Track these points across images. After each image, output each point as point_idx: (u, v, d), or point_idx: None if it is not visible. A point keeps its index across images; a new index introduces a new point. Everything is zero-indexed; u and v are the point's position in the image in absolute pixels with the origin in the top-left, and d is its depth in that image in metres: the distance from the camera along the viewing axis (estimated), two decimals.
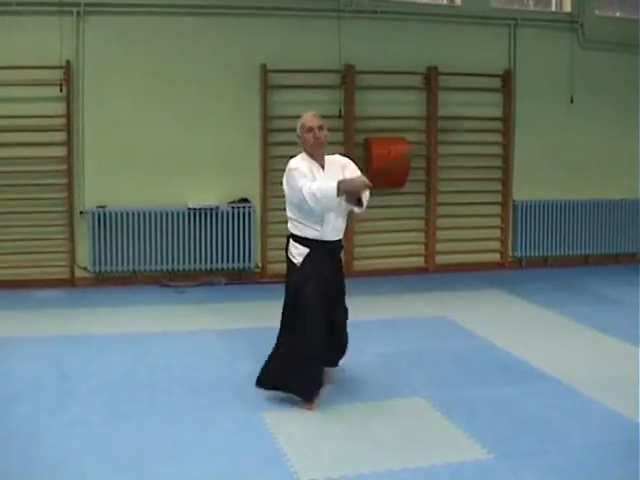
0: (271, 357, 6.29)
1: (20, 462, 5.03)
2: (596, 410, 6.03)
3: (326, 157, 6.34)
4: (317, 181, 6.02)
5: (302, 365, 6.07)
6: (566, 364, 7.15)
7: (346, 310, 6.71)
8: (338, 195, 5.89)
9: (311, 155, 6.24)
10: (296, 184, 6.02)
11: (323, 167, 6.25)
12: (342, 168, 6.32)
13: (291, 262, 6.30)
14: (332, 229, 6.24)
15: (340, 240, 6.42)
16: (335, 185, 5.87)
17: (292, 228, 6.30)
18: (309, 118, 6.22)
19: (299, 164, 6.14)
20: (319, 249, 6.21)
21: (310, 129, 6.17)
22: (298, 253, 6.25)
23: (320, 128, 6.19)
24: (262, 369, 6.31)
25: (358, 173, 6.32)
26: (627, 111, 11.54)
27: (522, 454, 5.22)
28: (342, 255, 6.65)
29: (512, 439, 5.46)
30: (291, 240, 6.31)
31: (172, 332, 8.33)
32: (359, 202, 6.19)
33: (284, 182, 6.25)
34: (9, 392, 6.35)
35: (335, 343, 6.51)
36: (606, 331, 8.29)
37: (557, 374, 6.86)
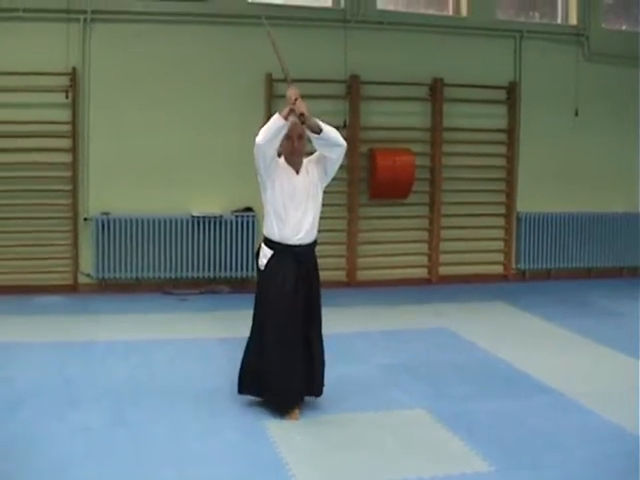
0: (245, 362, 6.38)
1: (21, 468, 5.03)
2: (598, 423, 6.02)
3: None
4: None
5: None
6: (568, 377, 7.15)
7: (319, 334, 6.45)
8: (283, 117, 6.00)
9: (287, 161, 6.28)
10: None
11: (298, 172, 6.26)
12: (309, 162, 6.32)
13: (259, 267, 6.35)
14: (293, 230, 6.18)
15: (309, 245, 6.32)
16: (277, 117, 6.03)
17: (264, 230, 6.34)
18: (290, 126, 6.12)
19: None
20: (283, 252, 6.19)
21: (289, 137, 6.17)
22: (263, 255, 6.27)
23: (300, 137, 6.19)
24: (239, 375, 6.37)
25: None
26: (632, 124, 11.56)
27: (523, 467, 5.21)
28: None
29: (513, 452, 5.45)
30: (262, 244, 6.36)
31: (174, 340, 8.34)
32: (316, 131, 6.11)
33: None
34: (11, 398, 6.35)
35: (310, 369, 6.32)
36: (609, 344, 8.28)
37: (559, 387, 6.85)
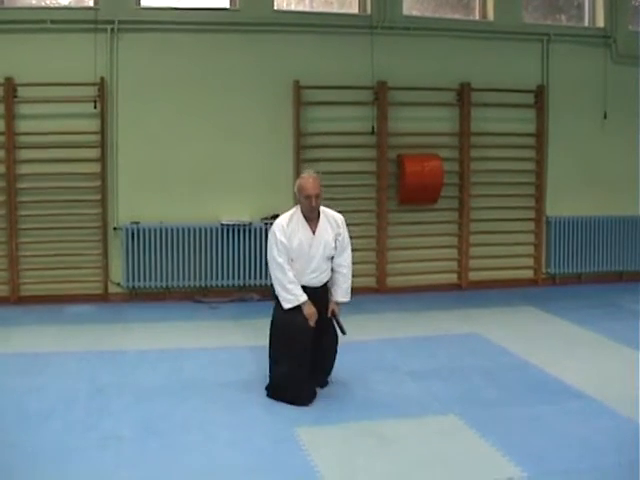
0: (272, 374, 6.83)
1: (53, 478, 5.06)
2: (630, 428, 5.95)
3: (322, 210, 6.74)
4: (291, 277, 6.52)
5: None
6: (600, 382, 7.10)
7: (335, 337, 6.97)
8: (288, 308, 6.55)
9: (305, 217, 6.66)
10: (269, 248, 6.65)
11: (314, 231, 6.65)
12: (334, 230, 6.71)
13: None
14: (309, 279, 6.67)
15: (323, 285, 6.79)
16: (295, 299, 6.51)
17: None
18: (309, 185, 6.53)
19: (282, 226, 6.63)
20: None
21: (308, 197, 6.52)
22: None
23: (317, 196, 6.54)
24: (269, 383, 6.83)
25: (345, 237, 6.77)
26: None
27: (557, 472, 5.18)
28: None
29: (546, 457, 5.42)
30: None
31: (205, 348, 8.35)
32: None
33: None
34: (42, 407, 6.38)
35: (319, 366, 6.90)
36: None
37: (591, 392, 6.80)
